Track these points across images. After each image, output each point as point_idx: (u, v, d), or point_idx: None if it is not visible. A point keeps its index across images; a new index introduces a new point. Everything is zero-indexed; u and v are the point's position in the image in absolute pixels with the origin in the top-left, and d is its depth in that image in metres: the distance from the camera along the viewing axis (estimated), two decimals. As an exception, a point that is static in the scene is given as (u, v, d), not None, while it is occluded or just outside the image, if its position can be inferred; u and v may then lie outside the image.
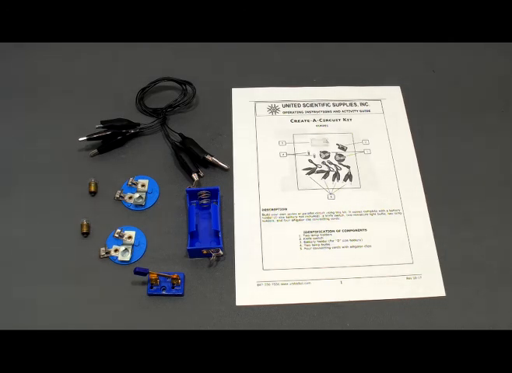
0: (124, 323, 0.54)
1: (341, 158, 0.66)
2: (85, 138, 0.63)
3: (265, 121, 0.68)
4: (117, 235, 0.58)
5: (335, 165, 0.65)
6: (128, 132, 0.65)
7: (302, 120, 0.69)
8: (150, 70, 0.70)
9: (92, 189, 0.61)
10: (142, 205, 0.61)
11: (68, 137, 0.64)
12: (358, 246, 0.59)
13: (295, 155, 0.66)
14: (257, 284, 0.57)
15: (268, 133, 0.67)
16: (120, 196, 0.61)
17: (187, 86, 0.69)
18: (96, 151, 0.64)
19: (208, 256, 0.57)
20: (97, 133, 0.64)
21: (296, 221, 0.61)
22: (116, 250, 0.57)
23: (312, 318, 0.55)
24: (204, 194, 0.60)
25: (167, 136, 0.66)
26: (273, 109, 0.69)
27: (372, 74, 0.73)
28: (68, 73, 0.71)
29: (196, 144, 0.64)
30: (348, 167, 0.65)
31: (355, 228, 0.60)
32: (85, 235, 0.58)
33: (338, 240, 0.60)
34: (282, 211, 0.61)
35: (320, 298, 0.56)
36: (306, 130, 0.68)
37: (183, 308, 0.55)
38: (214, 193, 0.60)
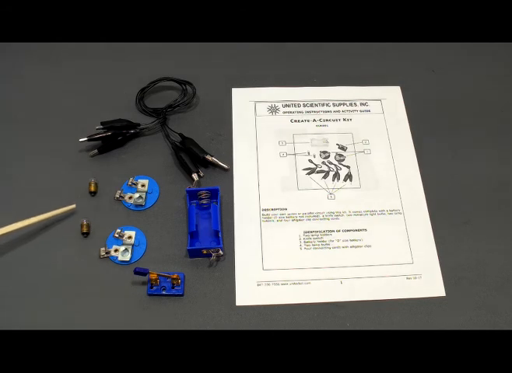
0: (124, 323, 0.54)
1: (341, 158, 0.66)
2: (85, 139, 0.63)
3: (265, 121, 0.68)
4: (117, 235, 0.58)
5: (335, 165, 0.65)
6: (128, 133, 0.65)
7: (302, 120, 0.69)
8: (150, 70, 0.70)
9: (92, 189, 0.61)
10: (142, 205, 0.61)
11: (68, 138, 0.64)
12: (358, 246, 0.59)
13: (295, 155, 0.66)
14: (257, 284, 0.57)
15: (268, 133, 0.67)
16: (121, 196, 0.61)
17: (187, 86, 0.69)
18: (96, 151, 0.64)
19: (208, 256, 0.57)
20: (97, 134, 0.64)
21: (296, 221, 0.61)
22: (116, 250, 0.58)
23: (312, 318, 0.55)
24: (204, 194, 0.60)
25: (167, 136, 0.66)
26: (273, 109, 0.69)
27: (372, 74, 0.73)
28: (68, 73, 0.71)
29: (196, 144, 0.64)
30: (348, 167, 0.65)
31: (355, 228, 0.60)
32: (85, 235, 0.58)
33: (338, 240, 0.60)
34: (282, 211, 0.61)
35: (320, 298, 0.56)
36: (306, 130, 0.68)
37: (183, 308, 0.55)
38: (214, 193, 0.60)
